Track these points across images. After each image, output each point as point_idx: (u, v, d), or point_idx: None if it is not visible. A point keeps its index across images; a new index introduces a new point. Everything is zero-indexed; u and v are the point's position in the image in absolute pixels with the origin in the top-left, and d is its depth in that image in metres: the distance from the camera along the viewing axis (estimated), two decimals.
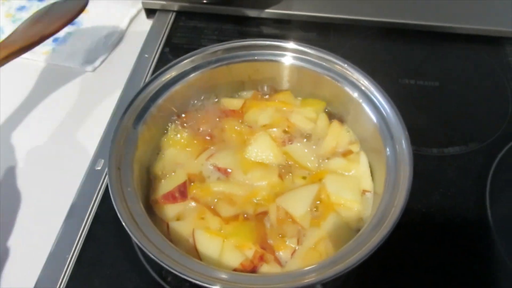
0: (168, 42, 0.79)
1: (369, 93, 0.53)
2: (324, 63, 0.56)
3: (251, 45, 0.57)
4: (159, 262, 0.40)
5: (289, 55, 0.57)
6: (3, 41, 0.71)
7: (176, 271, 0.40)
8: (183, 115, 0.57)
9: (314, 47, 0.56)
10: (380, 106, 0.52)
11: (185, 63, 0.55)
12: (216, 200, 0.52)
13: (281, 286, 0.39)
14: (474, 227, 0.57)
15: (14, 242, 0.57)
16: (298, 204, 0.52)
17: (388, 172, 0.48)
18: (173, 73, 0.55)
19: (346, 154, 0.57)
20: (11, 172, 0.64)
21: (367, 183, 0.54)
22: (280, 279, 0.41)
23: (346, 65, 0.55)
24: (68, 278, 0.52)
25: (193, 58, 0.55)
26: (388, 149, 0.49)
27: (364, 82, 0.54)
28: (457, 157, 0.63)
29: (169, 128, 0.57)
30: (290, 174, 0.55)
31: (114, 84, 0.74)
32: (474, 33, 0.77)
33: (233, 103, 0.60)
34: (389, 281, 0.53)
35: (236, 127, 0.58)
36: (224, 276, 0.41)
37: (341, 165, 0.55)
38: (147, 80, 0.54)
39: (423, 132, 0.66)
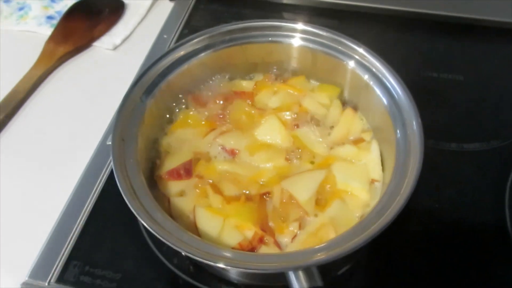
0: (187, 25, 0.79)
1: (381, 75, 0.51)
2: (337, 46, 0.54)
3: (266, 26, 0.56)
4: (154, 233, 0.40)
5: (302, 36, 0.56)
6: (53, 38, 0.75)
7: (172, 244, 0.40)
8: (194, 93, 0.57)
9: (328, 29, 0.54)
10: (391, 89, 0.50)
11: (198, 40, 0.55)
12: (220, 179, 0.51)
13: (275, 266, 0.38)
14: (489, 228, 0.54)
15: (23, 209, 0.58)
16: (303, 188, 0.50)
17: (397, 157, 0.46)
18: (185, 51, 0.55)
19: (357, 142, 0.55)
20: (25, 142, 0.65)
21: (377, 173, 0.52)
22: (274, 259, 0.40)
23: (358, 47, 0.54)
24: (71, 248, 0.53)
25: (206, 36, 0.55)
26: (398, 133, 0.47)
27: (376, 64, 0.52)
28: (477, 154, 0.61)
29: (178, 105, 0.56)
30: (298, 157, 0.53)
31: (133, 63, 0.74)
32: (503, 26, 0.73)
33: (245, 85, 0.59)
34: (394, 275, 0.51)
35: (246, 109, 0.57)
36: (226, 254, 0.40)
37: (351, 153, 0.54)
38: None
39: (443, 126, 0.64)
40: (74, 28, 0.80)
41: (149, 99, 0.51)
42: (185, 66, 0.54)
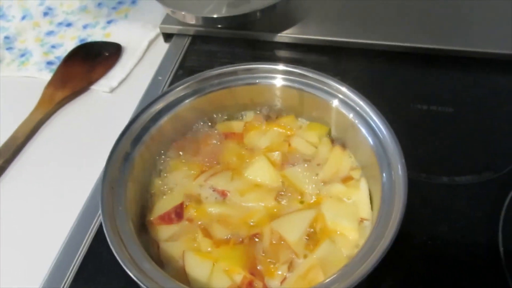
0: (182, 65, 0.81)
1: (365, 115, 0.52)
2: (322, 86, 0.56)
3: (252, 68, 0.57)
4: (139, 282, 0.40)
5: (288, 78, 0.57)
6: (53, 83, 0.80)
7: None
8: (180, 141, 0.58)
9: (312, 70, 0.56)
10: (376, 128, 0.51)
11: (186, 86, 0.56)
12: (210, 221, 0.52)
13: None
14: (484, 264, 0.53)
15: (19, 252, 0.59)
16: (293, 228, 0.51)
17: (382, 199, 0.46)
18: (174, 96, 0.56)
19: (346, 180, 0.55)
20: (24, 186, 0.67)
21: (366, 211, 0.52)
22: None
23: (341, 86, 0.55)
24: None
25: (194, 81, 0.57)
26: (384, 175, 0.48)
27: (359, 103, 0.53)
28: (469, 187, 0.60)
29: (168, 151, 0.58)
30: (288, 197, 0.54)
31: (129, 104, 0.76)
32: (491, 57, 0.74)
33: (234, 126, 0.60)
34: None
35: (236, 150, 0.58)
36: None
37: (340, 191, 0.54)
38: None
39: (433, 159, 0.64)
40: (72, 73, 0.82)
41: (139, 146, 0.52)
42: (174, 112, 0.56)
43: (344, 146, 0.58)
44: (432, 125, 0.69)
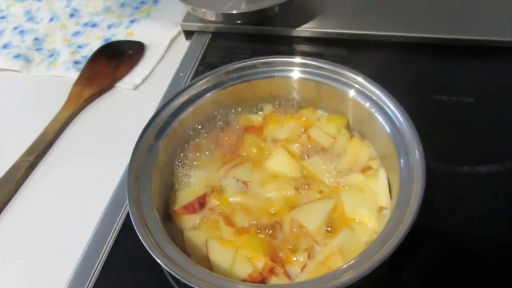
0: (202, 61, 0.83)
1: (381, 103, 0.53)
2: (338, 76, 0.56)
3: (270, 62, 0.59)
4: (165, 266, 0.42)
5: (304, 70, 0.58)
6: (80, 82, 0.83)
7: (183, 278, 0.42)
8: (205, 131, 0.60)
9: (328, 61, 0.57)
10: (393, 116, 0.51)
11: (207, 80, 0.58)
12: (232, 211, 0.54)
13: None
14: (505, 251, 0.53)
15: (47, 246, 0.62)
16: (312, 217, 0.52)
17: (401, 186, 0.47)
18: (196, 90, 0.58)
19: (365, 170, 0.56)
20: (55, 180, 0.70)
21: (385, 200, 0.52)
22: None
23: (357, 76, 0.56)
24: (94, 282, 0.56)
25: (214, 75, 0.58)
26: (402, 162, 0.48)
27: (376, 92, 0.53)
28: (490, 176, 0.60)
29: (190, 142, 0.59)
30: (307, 187, 0.55)
31: (152, 101, 0.78)
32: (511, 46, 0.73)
33: (253, 119, 0.62)
34: None
35: (256, 142, 0.59)
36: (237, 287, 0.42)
37: (359, 181, 0.55)
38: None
39: (454, 148, 0.64)
40: (98, 71, 0.85)
41: (162, 138, 0.54)
42: (195, 105, 0.58)
43: (362, 136, 0.59)
44: (452, 116, 0.68)
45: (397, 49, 0.77)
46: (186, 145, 0.59)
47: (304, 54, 0.80)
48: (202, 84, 0.58)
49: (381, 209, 0.52)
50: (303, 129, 0.60)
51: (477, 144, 0.64)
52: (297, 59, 0.58)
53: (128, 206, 0.46)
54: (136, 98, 0.82)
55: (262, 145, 0.59)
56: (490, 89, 0.71)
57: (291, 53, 0.82)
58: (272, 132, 0.60)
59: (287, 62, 0.58)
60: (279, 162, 0.56)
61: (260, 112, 0.63)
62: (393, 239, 0.42)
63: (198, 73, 0.81)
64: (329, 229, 0.51)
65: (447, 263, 0.53)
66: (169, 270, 0.42)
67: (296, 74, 0.59)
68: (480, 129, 0.66)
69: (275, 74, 0.59)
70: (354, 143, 0.58)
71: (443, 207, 0.58)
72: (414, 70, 0.76)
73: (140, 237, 0.44)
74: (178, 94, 0.56)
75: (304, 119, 0.61)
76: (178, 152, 0.59)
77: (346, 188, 0.54)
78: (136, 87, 0.83)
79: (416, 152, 0.47)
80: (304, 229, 0.51)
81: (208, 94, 0.58)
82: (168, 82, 0.81)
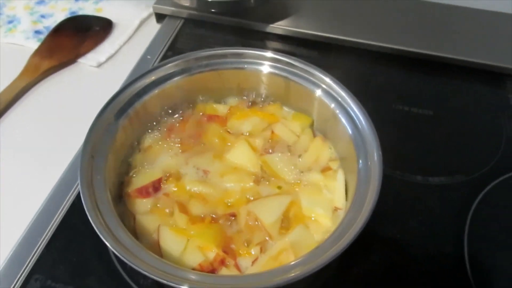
0: (172, 47, 0.81)
1: (345, 105, 0.53)
2: (307, 75, 0.57)
3: (241, 53, 0.58)
4: (113, 249, 0.41)
5: (275, 65, 0.58)
6: (39, 52, 0.78)
7: (130, 262, 0.40)
8: (168, 114, 0.58)
9: (299, 59, 0.57)
10: (355, 119, 0.52)
11: (175, 64, 0.57)
12: (188, 198, 0.52)
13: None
14: (448, 260, 0.55)
15: None
16: (269, 211, 0.51)
17: (357, 186, 0.47)
18: (162, 73, 0.57)
19: (324, 170, 0.57)
20: (2, 151, 0.66)
21: (341, 201, 0.53)
22: (232, 281, 0.41)
23: (325, 77, 0.56)
24: (35, 260, 0.53)
25: (183, 60, 0.57)
26: (360, 162, 0.49)
27: (341, 94, 0.54)
28: (441, 187, 0.62)
29: (153, 126, 0.58)
30: (266, 182, 0.55)
31: (115, 81, 0.75)
32: (475, 67, 0.76)
33: (219, 109, 0.61)
34: None
35: (218, 132, 0.59)
36: (185, 274, 0.41)
37: (317, 180, 0.55)
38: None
39: (410, 158, 0.66)
40: (60, 44, 0.82)
41: (123, 119, 0.53)
42: (160, 88, 0.56)
43: (325, 137, 0.59)
44: (411, 126, 0.71)
45: (367, 57, 0.79)
46: (147, 127, 0.58)
47: (276, 51, 0.81)
48: (169, 67, 0.57)
49: (336, 209, 0.53)
50: (267, 124, 0.60)
51: (432, 156, 0.67)
52: (269, 53, 0.58)
53: (79, 185, 0.44)
54: (98, 76, 0.79)
55: (225, 136, 0.59)
56: (449, 105, 0.73)
57: (263, 48, 0.81)
58: (236, 124, 0.60)
59: (258, 55, 0.58)
60: (240, 155, 0.56)
61: (227, 103, 0.62)
62: (345, 239, 0.43)
63: (166, 58, 0.79)
64: (283, 224, 0.51)
65: (393, 267, 0.55)
66: (117, 254, 0.40)
67: (266, 68, 0.58)
68: (436, 142, 0.68)
69: (245, 66, 0.59)
70: (316, 143, 0.59)
71: (395, 213, 0.59)
72: (381, 79, 0.78)
73: (89, 217, 0.42)
74: (143, 75, 0.55)
75: (272, 114, 0.61)
76: (137, 135, 0.57)
77: (304, 186, 0.55)
78: (100, 65, 0.80)
79: (375, 155, 0.48)
80: (259, 223, 0.51)
81: (175, 79, 0.57)
82: (134, 63, 0.79)
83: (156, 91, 0.56)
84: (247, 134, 0.59)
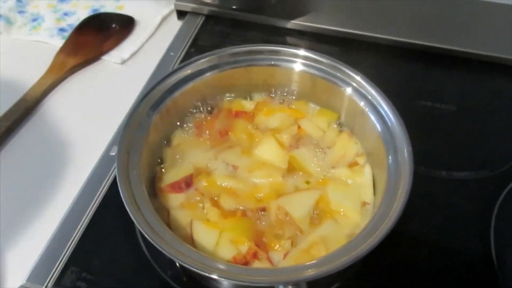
0: (194, 43, 0.82)
1: (375, 103, 0.54)
2: (336, 72, 0.57)
3: (269, 50, 0.59)
4: (153, 243, 0.42)
5: (303, 62, 0.59)
6: (64, 50, 0.80)
7: (168, 253, 0.42)
8: (197, 111, 0.59)
9: (328, 56, 0.57)
10: (385, 116, 0.53)
11: (204, 61, 0.58)
12: (219, 193, 0.53)
13: (266, 279, 0.40)
14: (475, 255, 0.56)
15: (25, 214, 0.60)
16: (299, 206, 0.52)
17: (388, 182, 0.48)
18: (191, 70, 0.57)
19: (351, 165, 0.57)
20: (32, 149, 0.67)
21: (368, 196, 0.54)
22: (266, 273, 0.42)
23: (356, 75, 0.57)
24: (70, 254, 0.55)
25: (212, 57, 0.58)
26: (390, 158, 0.50)
27: (372, 92, 0.55)
28: (466, 182, 0.63)
29: (182, 122, 0.59)
30: (294, 177, 0.56)
31: (139, 78, 0.77)
32: (498, 61, 0.76)
33: (246, 105, 0.62)
34: None
35: (246, 128, 0.60)
36: (219, 265, 0.42)
37: (345, 175, 0.56)
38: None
39: (434, 153, 0.66)
40: (84, 41, 0.83)
41: (155, 115, 0.54)
42: (190, 85, 0.57)
43: (351, 132, 0.60)
44: (434, 122, 0.71)
45: (389, 53, 0.79)
46: (177, 124, 0.59)
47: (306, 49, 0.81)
48: (199, 64, 0.57)
49: (364, 204, 0.54)
50: (294, 120, 0.61)
51: (456, 151, 0.67)
52: (301, 51, 0.58)
53: (118, 181, 0.45)
54: (122, 73, 0.80)
55: (252, 132, 0.59)
56: (472, 100, 0.74)
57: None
58: (263, 120, 0.61)
59: (288, 52, 0.59)
60: (268, 150, 0.57)
61: (253, 99, 0.63)
62: (377, 234, 0.43)
63: (189, 54, 0.80)
64: (313, 219, 0.52)
65: (417, 262, 0.55)
66: (158, 247, 0.41)
67: (295, 65, 0.59)
68: (459, 137, 0.69)
69: (272, 62, 0.60)
70: (342, 138, 0.59)
71: (419, 208, 0.60)
72: (403, 74, 0.78)
73: (129, 212, 0.43)
74: (175, 71, 0.56)
75: (298, 110, 0.61)
76: (167, 131, 0.58)
77: (332, 181, 0.55)
78: (124, 62, 0.81)
79: (405, 151, 0.49)
80: (289, 218, 0.52)
81: (205, 75, 0.58)
82: (157, 60, 0.80)
83: (186, 87, 0.57)
84: (274, 130, 0.60)
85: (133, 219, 0.43)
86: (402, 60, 0.79)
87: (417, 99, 0.74)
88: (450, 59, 0.78)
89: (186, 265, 0.41)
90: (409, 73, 0.78)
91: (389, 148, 0.51)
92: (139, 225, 0.43)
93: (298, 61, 0.59)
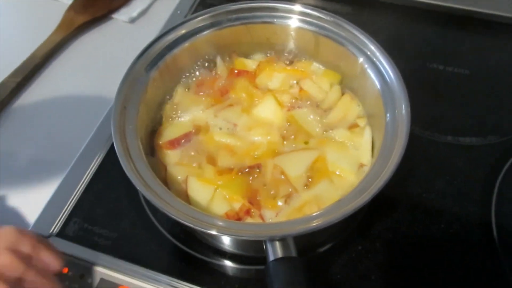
0: (202, 1, 0.80)
1: (375, 59, 0.53)
2: (338, 30, 0.56)
3: (271, 7, 0.57)
4: (145, 195, 0.43)
5: (305, 19, 0.57)
6: (73, 7, 0.79)
7: (159, 206, 0.43)
8: (198, 68, 0.59)
9: (330, 13, 0.56)
10: (385, 73, 0.51)
11: (204, 18, 0.57)
12: (216, 150, 0.54)
13: (253, 233, 0.41)
14: (474, 223, 0.55)
15: (33, 164, 0.62)
16: (295, 165, 0.52)
17: (384, 141, 0.47)
18: (191, 27, 0.57)
19: (352, 127, 0.56)
20: (42, 103, 0.69)
21: (366, 158, 0.53)
22: (254, 228, 0.43)
23: (355, 30, 0.55)
24: (73, 205, 0.57)
25: (212, 14, 0.57)
26: (388, 116, 0.49)
27: (371, 47, 0.53)
28: (472, 148, 0.61)
29: (183, 80, 0.59)
30: (293, 137, 0.55)
31: (148, 37, 0.75)
32: None
33: (248, 64, 0.61)
34: (374, 258, 0.52)
35: (247, 87, 0.59)
36: (208, 220, 0.43)
37: (344, 137, 0.55)
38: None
39: (441, 118, 0.65)
40: None
41: (154, 71, 0.54)
42: (190, 42, 0.57)
43: (354, 95, 0.59)
44: (446, 85, 0.69)
45: (403, 13, 0.76)
46: (177, 81, 0.59)
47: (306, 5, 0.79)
48: (198, 21, 0.57)
49: (361, 166, 0.53)
50: (295, 81, 0.60)
51: (465, 116, 0.65)
52: (298, 7, 0.57)
53: (112, 133, 0.46)
54: (131, 32, 0.80)
55: (253, 91, 0.59)
56: (487, 64, 0.70)
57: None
58: (264, 80, 0.60)
59: (288, 9, 0.57)
60: (267, 110, 0.57)
61: (256, 58, 0.62)
62: (367, 193, 0.43)
63: (196, 12, 0.79)
64: (309, 178, 0.52)
65: (415, 225, 0.55)
66: (148, 198, 0.42)
67: (294, 22, 0.58)
68: (470, 102, 0.66)
69: (274, 20, 0.58)
70: (344, 99, 0.58)
71: (422, 173, 0.59)
72: (416, 36, 0.75)
73: (122, 164, 0.44)
74: (173, 28, 0.55)
75: (302, 70, 0.61)
76: (168, 88, 0.58)
77: (331, 142, 0.55)
78: (132, 21, 0.81)
79: (403, 109, 0.48)
80: (284, 176, 0.52)
81: (204, 33, 0.57)
82: (165, 19, 0.79)
83: (185, 44, 0.56)
84: (275, 90, 0.59)
85: (126, 172, 0.44)
86: (417, 22, 0.76)
87: (429, 62, 0.71)
88: (465, 20, 0.74)
89: (172, 216, 0.42)
90: (422, 35, 0.75)
91: (388, 106, 0.50)
92: (132, 179, 0.44)
93: (300, 18, 0.57)
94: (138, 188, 0.43)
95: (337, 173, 0.52)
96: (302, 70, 0.61)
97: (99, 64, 0.75)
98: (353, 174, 0.52)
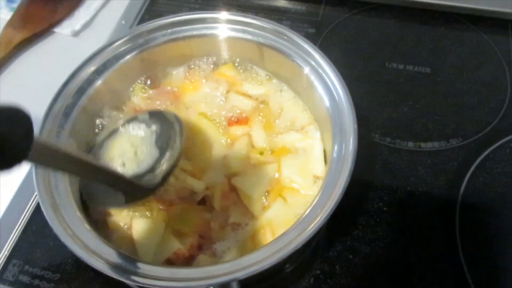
0: (149, 10, 0.76)
1: (320, 70, 0.49)
2: (281, 39, 0.52)
3: (187, 20, 0.54)
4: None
5: (229, 27, 0.54)
6: (12, 23, 0.74)
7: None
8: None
9: (256, 17, 0.52)
10: (331, 86, 0.48)
11: (123, 42, 0.53)
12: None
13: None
14: (439, 234, 0.52)
15: None
16: (256, 183, 0.49)
17: (330, 168, 0.44)
18: (107, 57, 0.55)
19: (302, 131, 0.53)
20: None
21: (320, 169, 0.50)
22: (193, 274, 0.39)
23: (298, 39, 0.51)
24: (12, 246, 0.53)
25: (124, 40, 0.54)
26: (336, 147, 0.45)
27: (316, 59, 0.49)
28: (434, 154, 0.58)
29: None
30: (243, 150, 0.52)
31: (92, 49, 0.71)
32: (477, 14, 0.69)
33: (171, 83, 0.57)
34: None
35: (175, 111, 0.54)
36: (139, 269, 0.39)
37: (296, 140, 0.52)
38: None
39: (402, 122, 0.62)
40: (33, 13, 0.77)
41: (76, 108, 0.52)
42: (109, 72, 0.54)
43: (301, 100, 0.55)
44: (406, 86, 0.65)
45: (358, 9, 0.72)
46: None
47: (263, 7, 0.74)
48: (119, 45, 0.53)
49: (316, 178, 0.49)
50: (225, 92, 0.56)
51: (426, 119, 0.62)
52: (225, 15, 0.53)
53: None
54: (74, 46, 0.75)
55: (182, 114, 0.54)
56: (448, 60, 0.67)
57: (248, 5, 0.75)
58: (191, 98, 0.56)
59: (212, 19, 0.54)
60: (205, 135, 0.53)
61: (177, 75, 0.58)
62: (315, 223, 0.40)
63: (143, 22, 0.74)
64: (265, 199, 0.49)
65: (377, 240, 0.52)
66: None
67: (222, 32, 0.54)
68: (432, 103, 0.63)
69: (195, 32, 0.55)
70: (291, 104, 0.55)
71: (383, 183, 0.56)
72: (374, 33, 0.71)
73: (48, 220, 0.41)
74: (87, 62, 0.55)
75: (227, 74, 0.57)
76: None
77: (286, 151, 0.51)
78: (75, 34, 0.76)
79: (352, 131, 0.44)
80: (236, 200, 0.48)
81: (122, 60, 0.54)
82: (111, 29, 0.74)
83: (104, 77, 0.53)
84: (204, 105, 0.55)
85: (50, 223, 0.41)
86: (374, 17, 0.73)
87: (388, 61, 0.68)
88: (426, 14, 0.71)
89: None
90: (381, 32, 0.71)
91: (336, 127, 0.46)
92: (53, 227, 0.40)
93: (223, 26, 0.54)
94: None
95: (292, 187, 0.49)
96: (227, 75, 0.57)
97: (40, 84, 0.70)
98: (307, 189, 0.49)
